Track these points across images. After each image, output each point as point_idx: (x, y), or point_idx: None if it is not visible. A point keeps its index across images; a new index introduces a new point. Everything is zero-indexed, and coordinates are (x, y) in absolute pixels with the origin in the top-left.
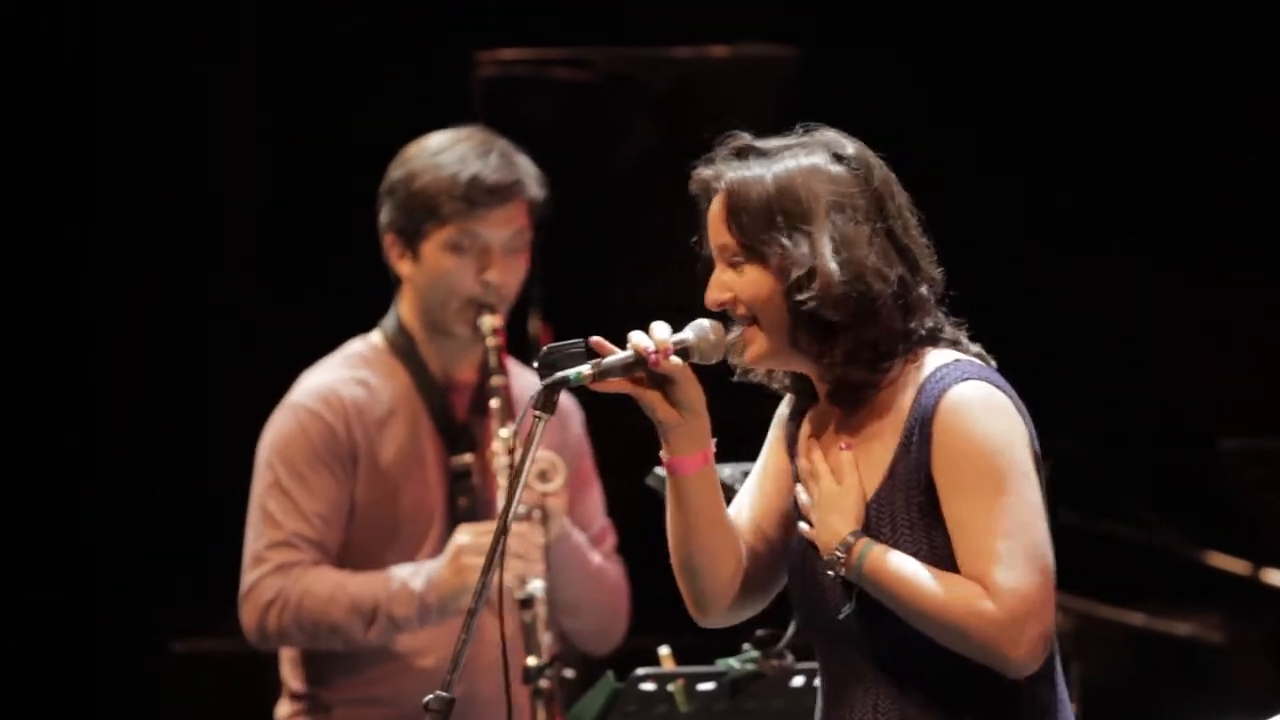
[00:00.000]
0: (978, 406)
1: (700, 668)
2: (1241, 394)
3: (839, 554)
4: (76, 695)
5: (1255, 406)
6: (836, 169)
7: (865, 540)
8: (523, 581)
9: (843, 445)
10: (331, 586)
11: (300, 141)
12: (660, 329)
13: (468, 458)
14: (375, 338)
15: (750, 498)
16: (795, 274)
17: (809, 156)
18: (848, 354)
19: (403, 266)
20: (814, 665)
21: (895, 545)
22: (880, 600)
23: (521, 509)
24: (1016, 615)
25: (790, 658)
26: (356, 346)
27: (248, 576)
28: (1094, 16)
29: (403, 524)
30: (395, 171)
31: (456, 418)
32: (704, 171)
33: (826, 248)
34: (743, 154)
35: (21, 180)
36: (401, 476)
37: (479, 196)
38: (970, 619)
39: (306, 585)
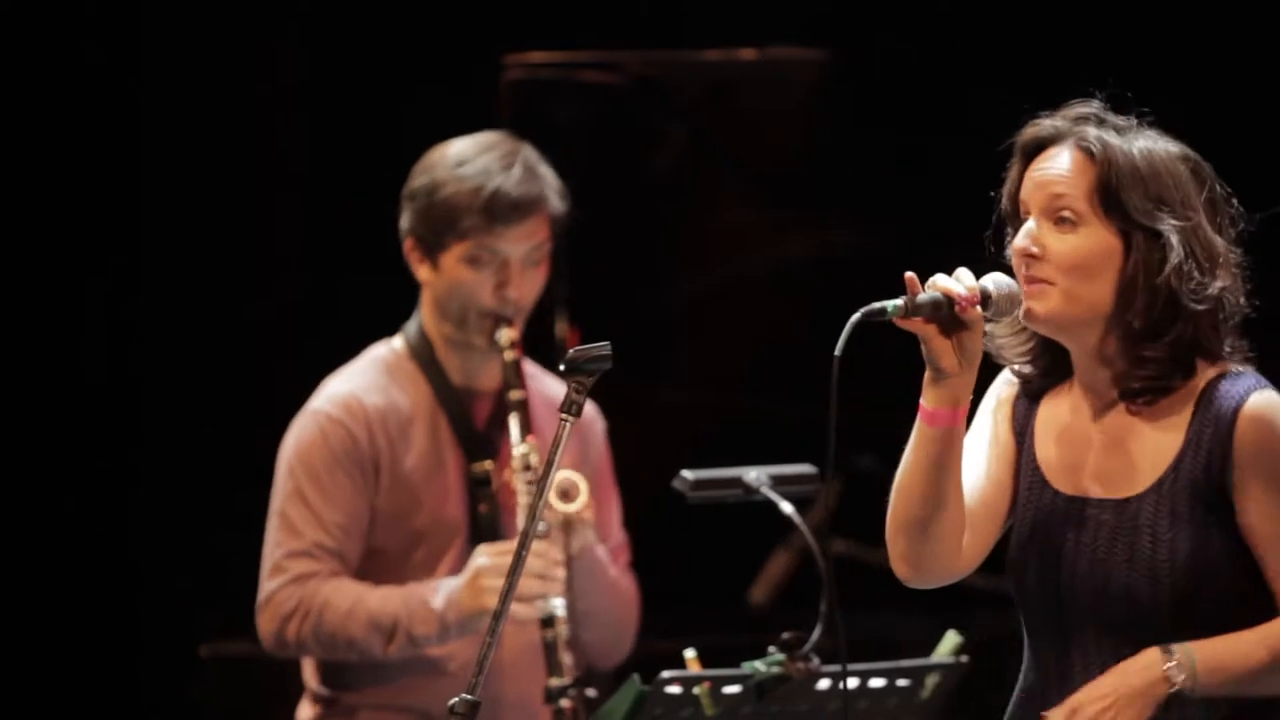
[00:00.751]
0: None
1: (726, 670)
2: None
3: (1178, 679)
4: (105, 700)
5: None
6: (1187, 167)
7: (1179, 648)
8: (542, 601)
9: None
10: (351, 600)
11: (330, 145)
12: (967, 275)
13: (488, 465)
14: (397, 343)
15: (972, 471)
16: (1175, 255)
17: (1164, 145)
18: (1172, 350)
19: (422, 272)
20: (837, 669)
21: (1172, 538)
22: (1227, 688)
23: (541, 527)
24: None
25: (816, 660)
26: (378, 352)
27: (266, 586)
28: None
29: (425, 532)
30: (418, 179)
31: (476, 425)
32: (1052, 124)
33: (1212, 237)
34: (1097, 121)
35: (64, 182)
36: (423, 484)
37: (500, 212)
38: None
39: (326, 597)
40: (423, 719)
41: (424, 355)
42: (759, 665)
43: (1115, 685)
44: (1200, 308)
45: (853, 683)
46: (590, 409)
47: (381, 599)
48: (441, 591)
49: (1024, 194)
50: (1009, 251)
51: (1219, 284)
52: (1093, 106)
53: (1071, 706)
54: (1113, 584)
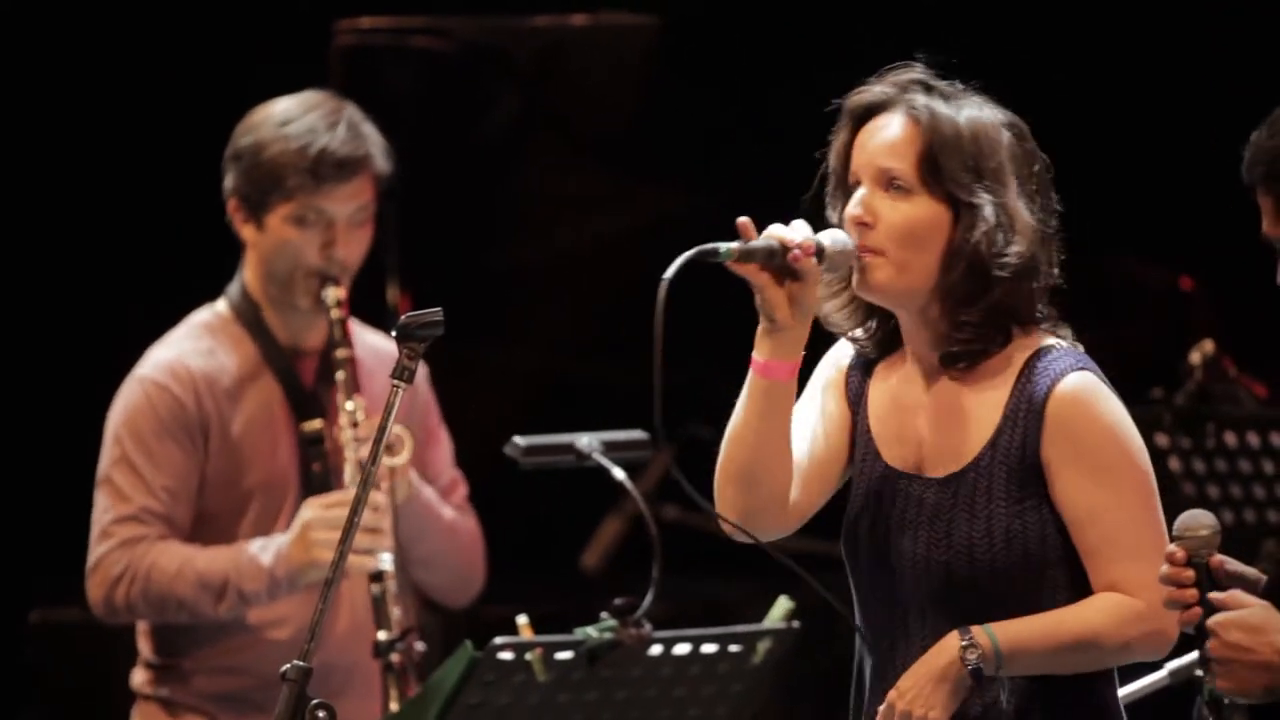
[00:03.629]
0: (1100, 397)
1: (558, 637)
2: None
3: (970, 658)
4: None
5: None
6: (1010, 135)
7: (978, 629)
8: (371, 555)
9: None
10: (179, 561)
11: (158, 113)
12: (803, 226)
13: (318, 423)
14: (220, 306)
15: (805, 430)
16: (984, 224)
17: (989, 113)
18: (986, 315)
19: (246, 232)
20: (669, 634)
21: (989, 515)
22: (1032, 666)
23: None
24: (1155, 629)
25: (648, 626)
26: (202, 316)
27: (95, 551)
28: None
29: (258, 493)
30: (242, 139)
31: (305, 384)
32: (881, 90)
33: (1018, 207)
34: (925, 88)
35: None
36: (253, 446)
37: (326, 171)
38: (1130, 627)
39: (154, 560)
40: (257, 683)
41: (249, 316)
42: (591, 631)
43: (920, 672)
44: (1004, 275)
45: (685, 648)
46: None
47: (209, 559)
48: (270, 548)
49: (855, 161)
50: (831, 215)
51: (1019, 251)
52: (917, 72)
53: (889, 701)
54: (933, 563)
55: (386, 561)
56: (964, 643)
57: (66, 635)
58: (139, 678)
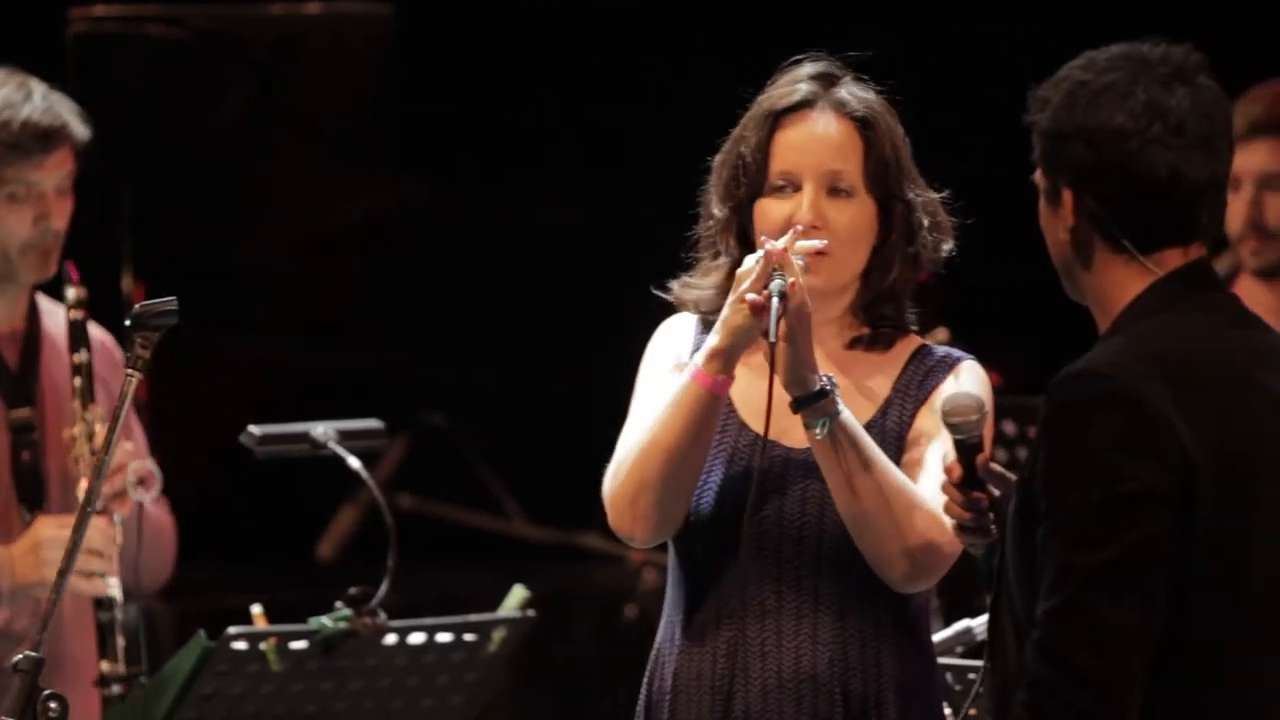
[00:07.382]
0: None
1: (293, 626)
2: None
3: (827, 386)
4: None
5: None
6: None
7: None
8: (100, 578)
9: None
10: None
11: None
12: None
13: (26, 412)
14: None
15: None
16: (922, 224)
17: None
18: (902, 308)
19: None
20: (404, 623)
21: None
22: (840, 457)
23: (100, 504)
24: (934, 536)
25: (383, 616)
26: None
27: None
28: None
29: None
30: None
31: (11, 369)
32: (803, 87)
33: (936, 205)
34: (842, 80)
35: None
36: None
37: (31, 144)
38: (915, 512)
39: None
40: None
41: None
42: (326, 621)
43: None
44: (932, 269)
45: (420, 638)
46: (107, 338)
47: None
48: None
49: (786, 160)
50: (717, 208)
51: (949, 249)
52: (824, 65)
53: None
54: (826, 520)
55: (114, 587)
56: (827, 384)
57: None
58: None
